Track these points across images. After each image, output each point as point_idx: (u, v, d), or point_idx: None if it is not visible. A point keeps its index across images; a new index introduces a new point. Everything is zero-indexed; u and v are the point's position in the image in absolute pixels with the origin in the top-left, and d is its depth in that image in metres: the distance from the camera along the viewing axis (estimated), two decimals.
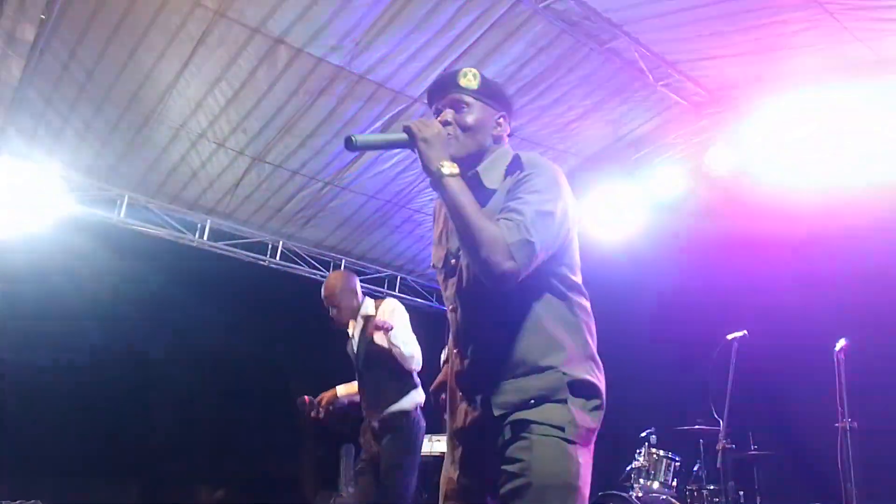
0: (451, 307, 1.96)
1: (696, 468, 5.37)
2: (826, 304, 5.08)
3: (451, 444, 1.93)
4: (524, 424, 1.75)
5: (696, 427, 5.23)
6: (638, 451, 5.49)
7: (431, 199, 6.77)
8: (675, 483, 5.44)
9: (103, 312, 6.48)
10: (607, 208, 6.55)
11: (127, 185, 6.22)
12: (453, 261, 1.94)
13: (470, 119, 1.94)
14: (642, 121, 5.88)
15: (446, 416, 1.99)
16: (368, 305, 3.89)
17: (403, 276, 8.03)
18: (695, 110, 5.71)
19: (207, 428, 7.11)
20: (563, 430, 1.75)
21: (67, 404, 6.17)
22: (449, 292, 1.96)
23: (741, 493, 5.11)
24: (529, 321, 1.83)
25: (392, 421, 3.72)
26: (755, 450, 5.14)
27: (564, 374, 1.80)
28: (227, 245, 6.87)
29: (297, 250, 7.28)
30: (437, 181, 1.79)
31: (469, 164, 1.92)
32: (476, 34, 4.96)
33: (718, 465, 4.64)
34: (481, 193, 1.88)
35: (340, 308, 3.83)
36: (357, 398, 3.98)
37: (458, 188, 1.78)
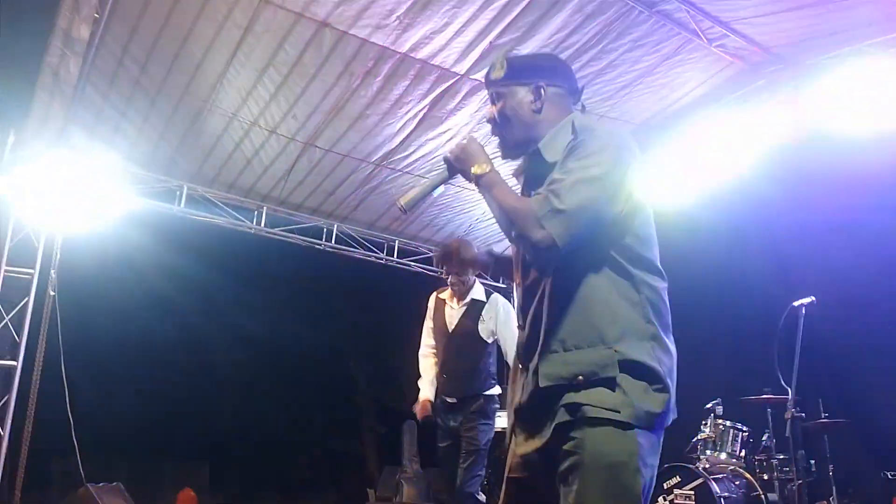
0: (516, 282, 1.99)
1: (764, 438, 5.27)
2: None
3: (513, 417, 1.91)
4: (577, 406, 1.71)
5: (764, 396, 5.13)
6: (704, 422, 5.42)
7: None
8: (742, 453, 5.36)
9: (166, 302, 6.69)
10: (662, 176, 6.39)
11: (184, 176, 6.37)
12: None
13: (504, 108, 1.99)
14: (696, 83, 5.69)
15: (508, 388, 2.00)
16: (479, 291, 4.03)
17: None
18: (752, 70, 5.49)
19: (271, 410, 7.31)
20: (618, 412, 1.69)
21: (137, 392, 6.42)
22: (514, 268, 2.00)
23: (812, 461, 5.01)
24: (582, 294, 1.77)
25: (479, 404, 3.90)
26: (825, 418, 5.01)
27: (616, 351, 1.73)
28: (283, 231, 6.98)
29: (350, 233, 7.35)
30: (477, 186, 1.88)
31: (529, 145, 1.96)
32: (521, 4, 4.86)
33: (787, 434, 4.53)
34: (542, 167, 1.88)
35: (461, 277, 3.94)
36: (433, 385, 4.13)
37: (489, 182, 1.87)
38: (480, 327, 3.97)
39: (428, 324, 4.39)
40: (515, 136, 1.98)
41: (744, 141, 5.79)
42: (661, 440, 1.79)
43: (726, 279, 5.92)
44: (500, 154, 2.05)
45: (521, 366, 1.89)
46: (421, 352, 4.40)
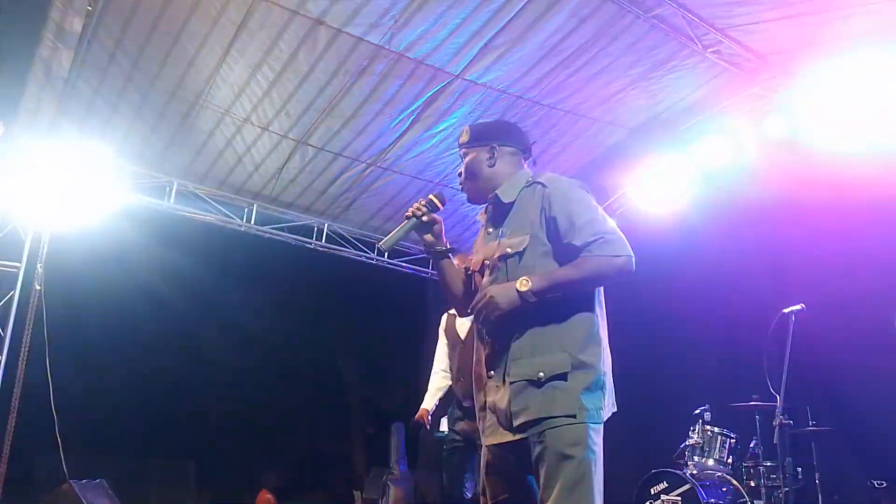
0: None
1: (752, 445, 5.27)
2: (886, 275, 4.89)
3: (482, 417, 2.25)
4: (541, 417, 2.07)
5: (752, 403, 5.13)
6: (692, 428, 5.41)
7: None
8: (730, 460, 5.35)
9: (155, 298, 6.65)
10: (655, 180, 6.40)
11: (175, 172, 6.33)
12: (488, 262, 2.30)
13: (467, 166, 2.47)
14: (691, 89, 5.70)
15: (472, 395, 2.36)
16: None
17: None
18: (746, 77, 5.50)
19: (259, 408, 7.27)
20: (573, 416, 2.06)
21: (124, 388, 6.38)
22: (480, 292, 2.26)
23: (799, 469, 5.01)
24: (547, 312, 2.14)
25: None
26: (813, 425, 5.01)
27: (571, 355, 2.12)
28: (273, 229, 6.94)
29: (342, 232, 7.32)
30: (538, 299, 2.12)
31: (488, 193, 2.41)
32: (516, 7, 4.86)
33: (775, 442, 4.54)
34: (502, 208, 2.36)
35: None
36: (437, 398, 4.45)
37: (541, 285, 2.13)
38: None
39: (441, 347, 4.59)
40: (477, 186, 2.43)
41: (736, 146, 5.81)
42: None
43: (716, 285, 5.92)
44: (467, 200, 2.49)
45: (486, 372, 2.24)
46: (433, 370, 4.65)
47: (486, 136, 2.47)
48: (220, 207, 6.63)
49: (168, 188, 6.36)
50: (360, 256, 7.41)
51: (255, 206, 6.79)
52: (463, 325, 4.35)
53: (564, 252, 2.17)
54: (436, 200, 2.44)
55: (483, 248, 2.39)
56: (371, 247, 7.47)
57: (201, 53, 5.23)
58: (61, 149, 5.50)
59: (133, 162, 6.07)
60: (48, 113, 5.49)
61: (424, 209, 2.41)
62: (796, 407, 4.83)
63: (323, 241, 7.19)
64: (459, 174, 2.47)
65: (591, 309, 2.21)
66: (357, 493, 7.11)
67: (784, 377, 4.45)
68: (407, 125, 5.98)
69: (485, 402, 2.23)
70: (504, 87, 5.60)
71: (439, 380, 4.59)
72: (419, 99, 5.69)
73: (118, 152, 5.84)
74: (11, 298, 5.42)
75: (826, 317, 4.79)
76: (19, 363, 5.38)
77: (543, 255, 2.19)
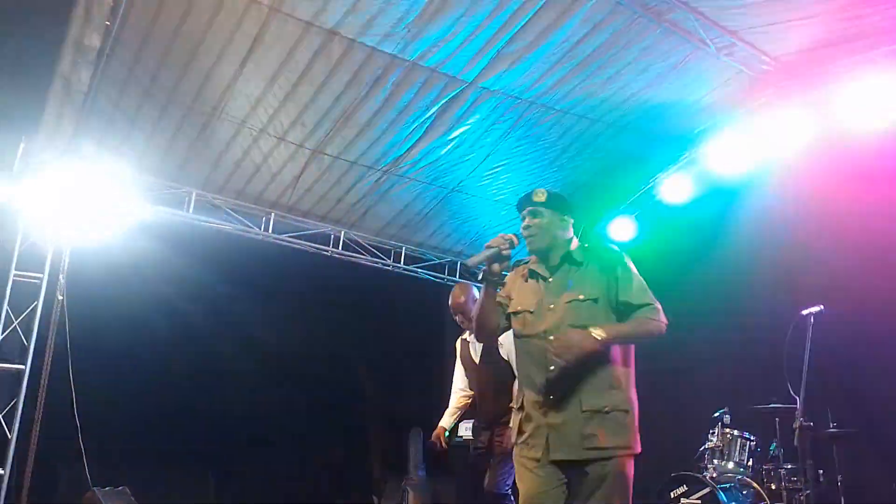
0: (549, 336, 2.66)
1: (772, 448, 5.23)
2: None
3: (530, 433, 2.67)
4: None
5: (772, 406, 5.10)
6: (711, 431, 5.38)
7: (487, 184, 6.75)
8: (750, 463, 5.32)
9: (174, 309, 6.70)
10: (671, 186, 6.40)
11: (194, 183, 6.40)
12: (551, 306, 2.71)
13: (543, 226, 2.82)
14: (704, 93, 5.71)
15: (520, 416, 2.75)
16: None
17: (463, 261, 8.04)
18: (760, 79, 5.50)
19: (277, 418, 7.29)
20: (629, 448, 2.62)
21: (144, 398, 6.43)
22: (542, 328, 2.71)
23: (820, 471, 4.97)
24: (603, 354, 2.62)
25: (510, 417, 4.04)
26: (834, 427, 4.97)
27: (624, 392, 2.68)
28: (290, 237, 6.99)
29: (358, 240, 7.37)
30: (612, 343, 2.63)
31: (553, 250, 2.82)
32: (528, 13, 4.90)
33: (796, 444, 4.51)
34: (571, 264, 2.79)
35: (466, 317, 4.31)
36: (455, 416, 4.55)
37: (613, 335, 2.62)
38: (501, 352, 4.22)
39: (458, 369, 4.68)
40: (546, 244, 2.82)
41: (752, 150, 5.80)
42: None
43: (735, 287, 5.90)
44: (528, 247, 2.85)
45: (541, 397, 2.64)
46: (452, 388, 4.73)
47: (562, 207, 2.88)
48: (238, 217, 6.70)
49: (186, 199, 6.43)
50: (377, 263, 7.44)
51: (272, 214, 6.84)
52: (476, 349, 4.47)
53: (618, 307, 2.71)
54: (515, 240, 2.78)
55: (536, 293, 2.81)
56: (387, 253, 7.51)
57: (218, 66, 5.31)
58: (81, 163, 5.58)
59: (152, 174, 6.14)
60: (68, 128, 5.57)
61: (507, 245, 2.74)
62: (817, 409, 4.79)
63: (340, 248, 7.24)
64: (528, 226, 2.83)
65: (631, 356, 2.75)
66: (376, 500, 7.13)
67: (804, 379, 4.42)
68: (421, 133, 6.03)
69: (540, 422, 2.63)
70: (518, 92, 5.63)
71: (458, 399, 4.68)
72: (433, 106, 5.74)
73: (137, 165, 5.91)
74: (35, 309, 5.49)
75: (846, 318, 4.76)
76: (43, 373, 5.45)
77: (606, 306, 2.71)
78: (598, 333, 2.55)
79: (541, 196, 2.85)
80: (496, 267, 2.75)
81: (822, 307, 4.52)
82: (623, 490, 2.51)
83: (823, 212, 5.33)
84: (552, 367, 2.60)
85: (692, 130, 6.12)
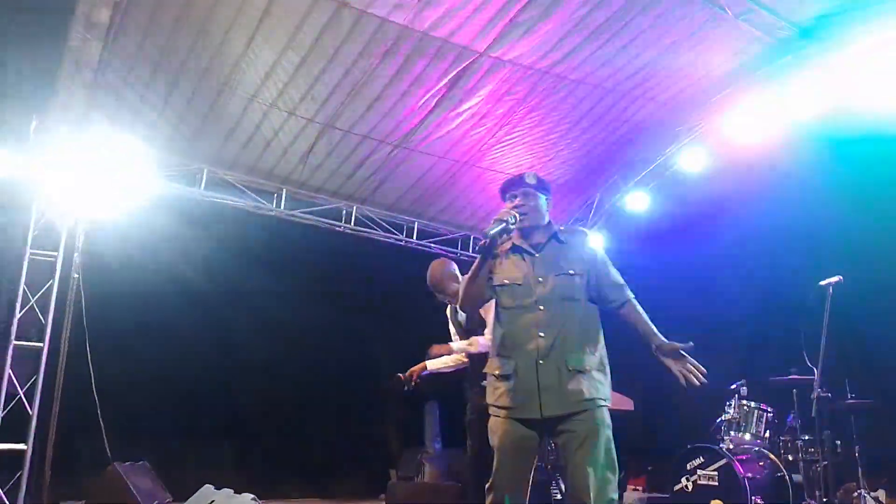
0: (539, 307, 2.89)
1: (789, 419, 5.22)
2: None
3: (525, 393, 2.85)
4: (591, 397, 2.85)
5: (789, 377, 5.07)
6: (728, 403, 5.37)
7: (500, 157, 6.68)
8: (767, 434, 5.31)
9: (188, 285, 6.72)
10: (687, 155, 6.32)
11: (205, 159, 6.38)
12: (540, 279, 2.92)
13: (537, 206, 3.02)
14: (722, 60, 5.59)
15: (507, 381, 2.91)
16: None
17: (476, 235, 8.00)
18: (779, 45, 5.38)
19: (293, 392, 7.34)
20: (605, 400, 2.91)
21: (161, 372, 6.48)
22: (531, 299, 2.91)
23: (838, 442, 4.96)
24: (585, 323, 2.94)
25: None
26: (852, 398, 4.95)
27: (600, 355, 2.97)
28: (303, 213, 6.98)
29: (370, 215, 7.35)
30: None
31: (540, 229, 3.03)
32: None
33: (813, 415, 4.49)
34: (562, 246, 3.01)
35: (446, 293, 4.23)
36: (447, 369, 4.33)
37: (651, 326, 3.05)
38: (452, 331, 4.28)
39: (453, 331, 4.55)
40: (536, 223, 3.01)
41: (771, 117, 5.69)
42: None
43: (752, 259, 5.85)
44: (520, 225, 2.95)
45: (541, 363, 2.85)
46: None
47: (547, 190, 3.11)
48: (250, 193, 6.69)
49: (198, 175, 6.42)
50: (389, 238, 7.43)
51: (283, 190, 6.83)
52: (463, 316, 4.34)
53: (598, 283, 3.01)
54: (518, 215, 2.94)
55: (522, 268, 2.99)
56: (400, 228, 7.49)
57: (227, 40, 5.26)
58: (93, 140, 5.57)
59: (163, 151, 6.13)
60: (80, 104, 5.55)
61: (515, 219, 2.91)
62: (834, 380, 4.76)
63: (352, 224, 7.22)
64: (522, 205, 2.98)
65: (599, 322, 3.04)
66: (393, 472, 7.19)
67: (822, 350, 4.38)
68: (433, 105, 5.96)
69: (533, 385, 2.84)
70: (531, 62, 5.55)
71: (453, 360, 4.40)
72: (445, 78, 5.66)
73: (148, 141, 5.89)
74: (51, 287, 5.53)
75: (864, 289, 4.71)
76: (61, 349, 5.50)
77: (585, 281, 2.99)
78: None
79: (532, 179, 3.08)
80: (501, 239, 2.92)
81: (840, 278, 4.46)
82: (607, 432, 2.86)
83: (842, 181, 5.24)
84: (542, 335, 2.86)
85: (709, 99, 6.01)
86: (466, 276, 2.99)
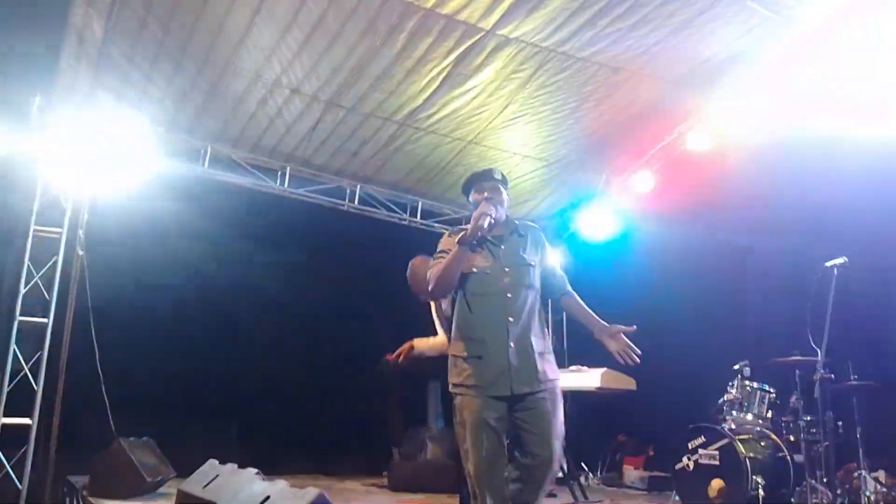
0: (507, 294, 3.15)
1: (791, 400, 5.23)
2: None
3: (496, 373, 3.10)
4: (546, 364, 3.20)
5: (792, 359, 5.07)
6: (730, 383, 5.39)
7: (506, 136, 6.65)
8: (769, 415, 5.33)
9: (191, 262, 6.73)
10: (694, 135, 6.28)
11: (208, 137, 6.37)
12: (507, 269, 3.18)
13: (504, 203, 3.27)
14: (732, 39, 5.52)
15: (478, 362, 3.14)
16: None
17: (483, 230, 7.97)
18: (787, 24, 5.32)
19: (297, 372, 7.36)
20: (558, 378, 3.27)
21: (165, 349, 6.51)
22: (499, 287, 3.16)
23: (839, 423, 4.97)
24: (537, 309, 3.25)
25: None
26: (855, 380, 4.94)
27: (547, 339, 3.31)
28: (307, 192, 6.97)
29: (374, 194, 7.33)
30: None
31: (502, 223, 3.26)
32: None
33: (816, 396, 4.49)
34: (521, 239, 3.30)
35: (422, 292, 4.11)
36: (432, 352, 4.24)
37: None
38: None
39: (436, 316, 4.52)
40: (502, 218, 3.24)
41: (779, 97, 5.65)
42: None
43: (757, 240, 5.83)
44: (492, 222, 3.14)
45: (511, 346, 3.12)
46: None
47: (507, 184, 3.34)
48: (253, 171, 6.68)
49: (202, 153, 6.41)
50: (393, 217, 7.42)
51: (287, 168, 6.82)
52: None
53: (543, 272, 3.32)
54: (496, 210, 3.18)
55: (487, 257, 3.22)
56: (403, 207, 7.48)
57: (231, 15, 5.21)
58: (98, 117, 5.55)
59: (167, 128, 6.12)
60: (84, 81, 5.53)
61: (495, 212, 3.14)
62: (837, 362, 4.77)
63: (356, 202, 7.22)
64: (498, 202, 3.20)
65: None
66: (395, 451, 7.24)
67: (826, 331, 4.38)
68: (438, 83, 5.92)
69: (504, 366, 3.09)
70: (537, 40, 5.49)
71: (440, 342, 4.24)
72: (450, 56, 5.62)
73: (152, 118, 5.88)
74: (55, 264, 5.54)
75: (869, 270, 4.69)
76: (65, 326, 5.52)
77: (540, 272, 3.32)
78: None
79: (499, 174, 3.33)
80: (484, 232, 3.14)
81: (845, 259, 4.45)
82: (561, 405, 3.20)
83: (849, 161, 5.20)
84: (511, 320, 3.13)
85: (717, 79, 5.95)
86: (442, 265, 3.14)
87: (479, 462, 3.00)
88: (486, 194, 3.20)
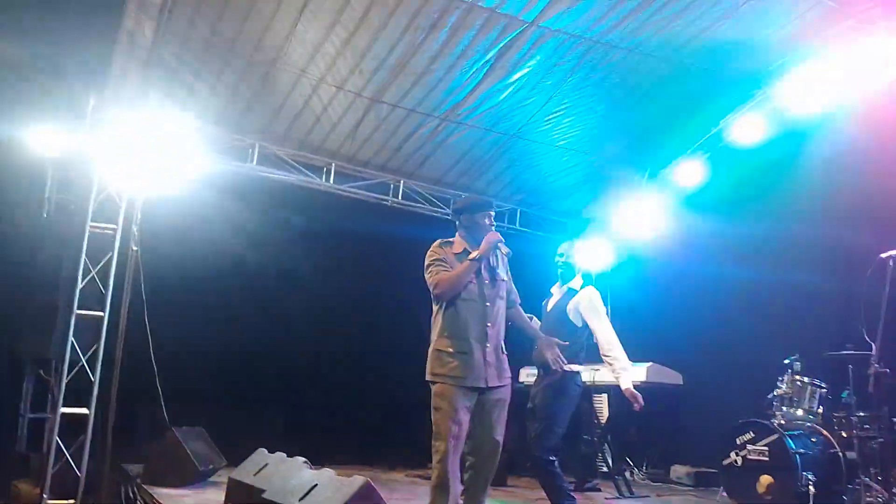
0: (486, 303, 3.68)
1: (844, 395, 5.09)
2: None
3: (485, 372, 3.60)
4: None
5: (845, 352, 4.94)
6: (781, 378, 5.27)
7: (548, 129, 6.62)
8: (820, 410, 5.21)
9: (241, 257, 6.88)
10: (742, 125, 6.15)
11: (256, 134, 6.49)
12: (487, 281, 3.70)
13: None
14: (778, 26, 5.39)
15: (464, 357, 3.59)
16: (577, 282, 4.52)
17: (524, 209, 7.97)
18: (840, 9, 5.17)
19: (342, 362, 7.47)
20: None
21: (215, 342, 6.68)
22: (480, 296, 3.67)
23: (895, 419, 4.82)
24: (504, 316, 3.80)
25: (556, 379, 4.22)
26: None
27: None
28: (351, 187, 7.05)
29: (417, 189, 7.38)
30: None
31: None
32: None
33: (870, 391, 4.37)
34: (495, 258, 3.83)
35: (564, 269, 4.52)
36: None
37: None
38: (568, 308, 4.41)
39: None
40: None
41: (830, 85, 5.49)
42: None
43: (809, 232, 5.68)
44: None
45: (489, 345, 3.65)
46: None
47: None
48: (300, 167, 6.78)
49: (250, 150, 6.53)
50: (436, 212, 7.45)
51: (332, 165, 6.91)
52: (553, 298, 4.56)
53: (508, 290, 3.87)
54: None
55: (500, 269, 3.82)
56: (446, 202, 7.50)
57: (277, 15, 5.32)
58: (149, 117, 5.70)
59: (216, 126, 6.25)
60: (135, 81, 5.69)
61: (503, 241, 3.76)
62: (893, 355, 4.62)
63: (399, 198, 7.27)
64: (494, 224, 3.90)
65: None
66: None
67: (881, 324, 4.25)
68: (480, 77, 5.93)
69: (481, 362, 3.60)
70: (580, 31, 5.45)
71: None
72: (493, 49, 5.62)
73: (201, 117, 6.02)
74: (111, 259, 5.71)
75: None
76: (120, 319, 5.69)
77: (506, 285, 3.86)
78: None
79: (494, 205, 4.04)
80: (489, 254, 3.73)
81: None
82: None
83: None
84: (489, 324, 3.67)
85: (765, 67, 5.82)
86: (454, 276, 3.64)
87: (447, 442, 3.46)
88: (491, 221, 3.83)
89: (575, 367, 4.31)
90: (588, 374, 5.28)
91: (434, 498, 3.46)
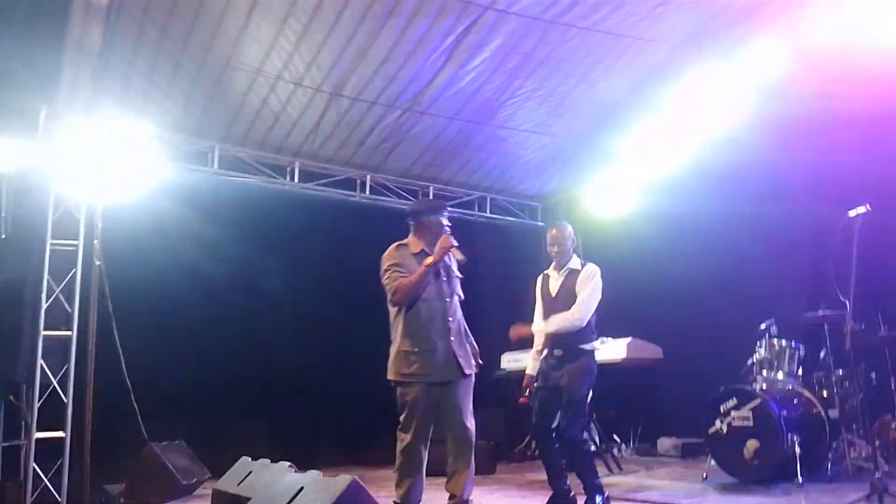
0: (445, 299, 3.98)
1: (822, 355, 5.17)
2: None
3: (441, 362, 3.93)
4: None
5: (820, 313, 5.01)
6: (759, 342, 5.33)
7: (513, 113, 6.58)
8: (800, 372, 5.28)
9: (210, 264, 6.74)
10: (706, 95, 6.16)
11: (215, 137, 6.36)
12: (444, 279, 4.02)
13: None
14: None
15: (428, 355, 3.91)
16: (575, 262, 4.58)
17: (493, 195, 7.95)
18: None
19: (324, 366, 7.38)
20: None
21: (190, 353, 6.54)
22: (440, 295, 3.98)
23: (873, 375, 4.91)
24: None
25: (581, 359, 4.34)
26: (886, 330, 4.87)
27: None
28: (317, 185, 6.96)
29: (384, 182, 7.31)
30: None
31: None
32: None
33: (847, 349, 4.42)
34: (450, 257, 4.14)
35: (562, 252, 4.57)
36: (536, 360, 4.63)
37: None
38: (577, 289, 4.46)
39: (538, 307, 4.69)
40: None
41: (791, 50, 5.52)
42: None
43: (775, 194, 5.75)
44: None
45: (452, 339, 3.97)
46: (534, 329, 4.69)
47: None
48: (262, 168, 6.67)
49: (210, 154, 6.40)
50: (404, 205, 7.38)
51: (296, 163, 6.80)
52: (555, 283, 4.57)
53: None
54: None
55: (451, 281, 4.11)
56: (415, 194, 7.44)
57: (227, 13, 5.19)
58: (103, 124, 5.54)
59: (173, 131, 6.11)
60: (86, 89, 5.52)
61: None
62: (867, 312, 4.70)
63: (367, 192, 7.19)
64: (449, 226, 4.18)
65: None
66: None
67: (852, 283, 4.30)
68: (440, 64, 5.86)
69: (449, 354, 3.92)
70: (537, 13, 5.41)
71: (539, 339, 4.64)
72: (450, 36, 5.55)
73: (158, 122, 5.87)
74: (74, 276, 5.56)
75: (893, 217, 4.60)
76: (89, 337, 5.54)
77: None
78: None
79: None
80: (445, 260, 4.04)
81: (868, 207, 4.35)
82: None
83: (868, 112, 5.09)
84: (451, 320, 3.95)
85: (729, 33, 5.81)
86: (412, 283, 3.85)
87: (412, 439, 3.88)
88: (446, 222, 4.08)
89: (596, 345, 4.47)
90: None
91: (399, 480, 3.98)
